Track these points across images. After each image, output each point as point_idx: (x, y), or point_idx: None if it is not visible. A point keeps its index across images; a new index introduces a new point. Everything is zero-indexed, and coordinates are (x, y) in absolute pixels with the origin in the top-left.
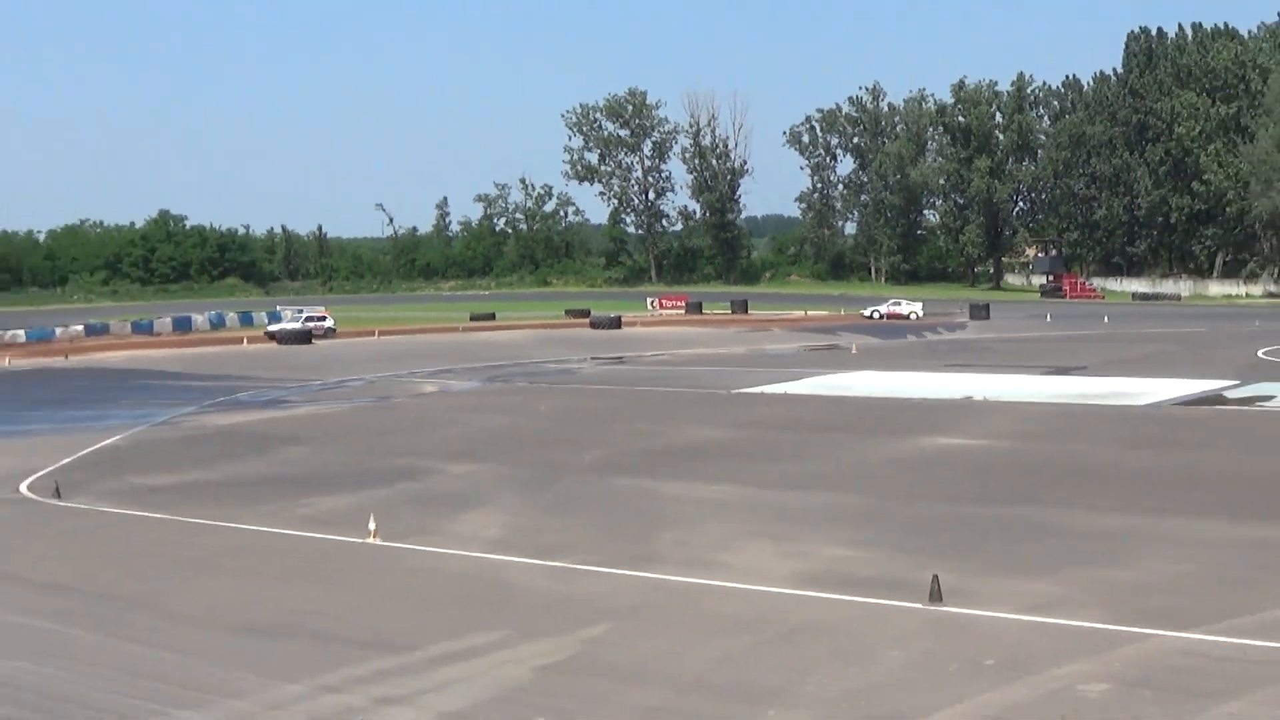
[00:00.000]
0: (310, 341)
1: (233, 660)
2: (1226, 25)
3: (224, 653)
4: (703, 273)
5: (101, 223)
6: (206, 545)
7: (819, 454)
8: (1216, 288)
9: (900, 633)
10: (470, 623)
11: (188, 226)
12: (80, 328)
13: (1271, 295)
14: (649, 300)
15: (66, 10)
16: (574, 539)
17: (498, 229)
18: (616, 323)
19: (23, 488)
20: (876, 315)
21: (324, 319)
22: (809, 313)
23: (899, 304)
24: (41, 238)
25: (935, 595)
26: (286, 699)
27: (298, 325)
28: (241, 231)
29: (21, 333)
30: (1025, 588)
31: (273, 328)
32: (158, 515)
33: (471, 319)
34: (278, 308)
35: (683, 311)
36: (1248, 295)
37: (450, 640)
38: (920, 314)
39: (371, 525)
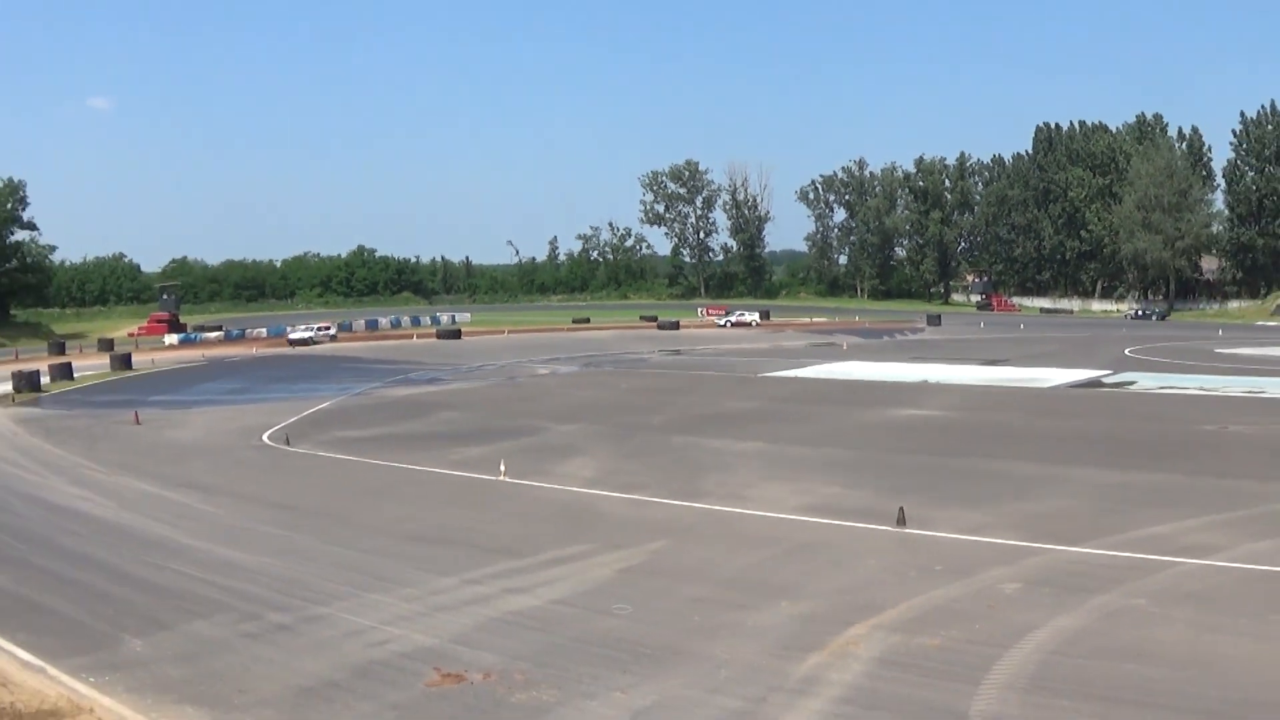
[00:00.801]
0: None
1: (404, 560)
2: (1101, 122)
3: (398, 554)
4: (737, 290)
5: (319, 253)
6: (386, 479)
7: (818, 419)
8: (1097, 305)
9: (875, 547)
10: (570, 537)
11: (376, 256)
12: (724, 312)
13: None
14: (699, 310)
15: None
16: (644, 479)
17: (592, 258)
18: (675, 325)
19: (264, 437)
20: (728, 324)
21: (328, 328)
22: (813, 320)
23: (744, 314)
24: (278, 264)
25: (901, 520)
26: (442, 588)
27: (310, 334)
28: (413, 259)
29: (264, 330)
30: (964, 516)
31: (293, 336)
32: (353, 458)
33: (573, 322)
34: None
35: (725, 318)
36: (1118, 310)
37: (556, 549)
38: (758, 321)
39: (502, 467)
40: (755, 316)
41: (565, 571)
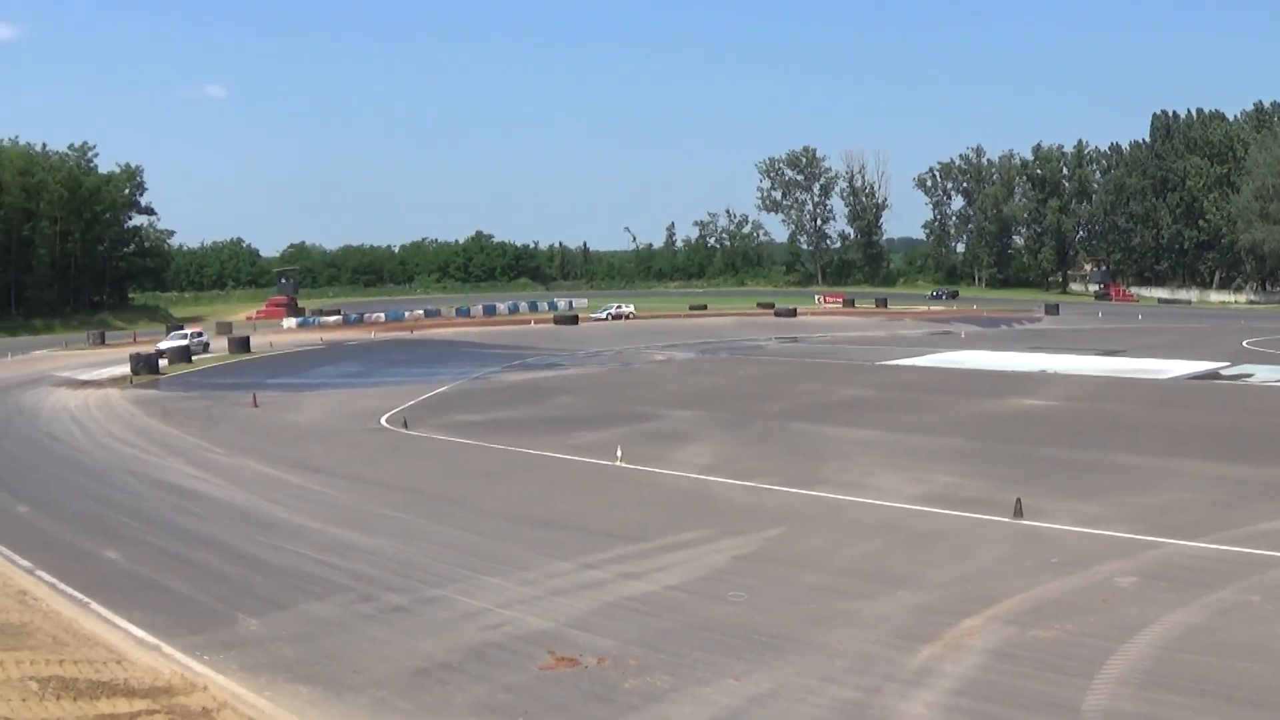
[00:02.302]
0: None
1: (521, 543)
2: (1218, 110)
3: (515, 537)
4: (854, 278)
5: (436, 239)
6: (503, 462)
7: (936, 409)
8: (1215, 296)
9: (992, 538)
10: (686, 523)
11: (494, 241)
12: (421, 312)
13: (1253, 301)
14: (816, 297)
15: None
16: (761, 466)
17: (709, 245)
18: (793, 313)
19: (382, 420)
20: (608, 316)
21: (200, 334)
22: (930, 308)
23: (622, 307)
24: (396, 250)
25: (1018, 511)
26: (559, 572)
27: (183, 343)
28: (531, 245)
29: (382, 315)
30: (1080, 507)
31: (162, 345)
32: (471, 441)
33: (690, 309)
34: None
35: (840, 305)
36: (1236, 301)
37: (672, 534)
38: (634, 312)
39: (618, 452)
40: (631, 308)
41: (681, 557)
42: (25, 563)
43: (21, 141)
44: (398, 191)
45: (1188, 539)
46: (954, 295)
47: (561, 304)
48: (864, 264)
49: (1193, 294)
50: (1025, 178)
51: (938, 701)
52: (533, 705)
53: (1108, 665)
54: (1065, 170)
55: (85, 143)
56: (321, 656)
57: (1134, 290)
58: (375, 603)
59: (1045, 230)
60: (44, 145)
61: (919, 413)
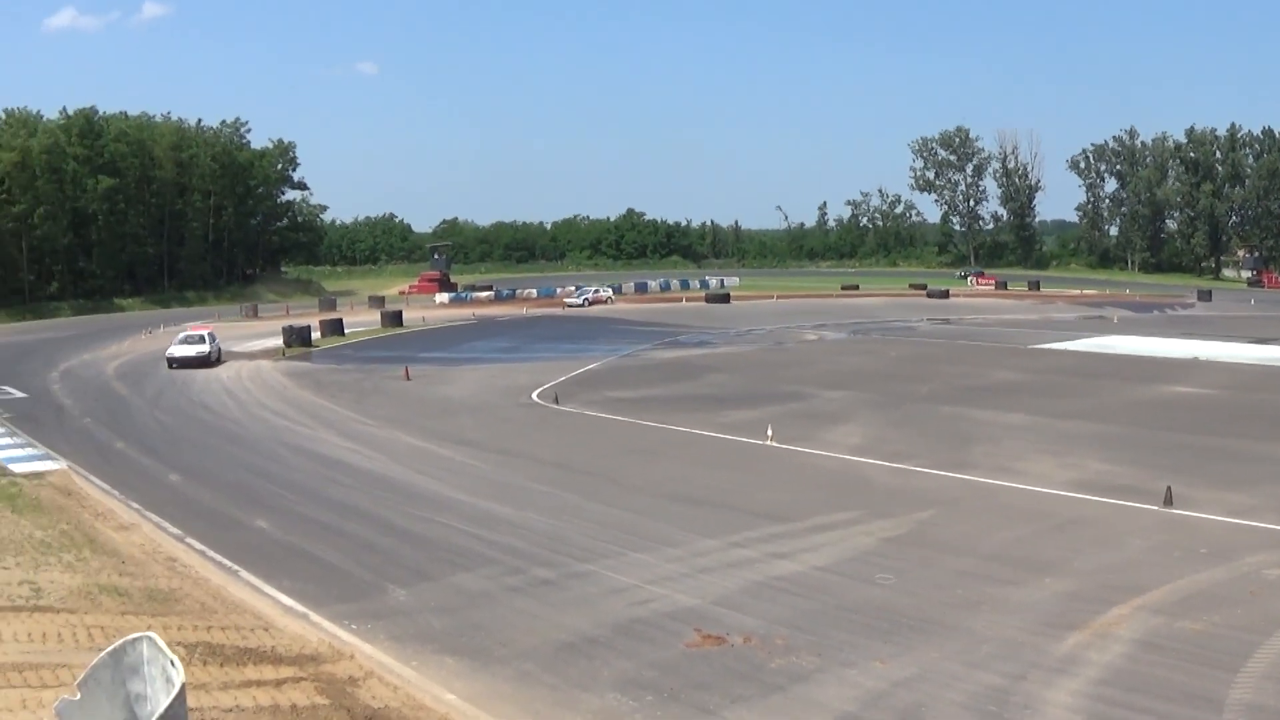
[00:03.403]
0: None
1: (669, 520)
2: None
3: (663, 514)
4: (1007, 260)
5: (588, 216)
6: (653, 439)
7: (1088, 394)
8: None
9: (1141, 527)
10: (835, 504)
11: (646, 219)
12: (573, 288)
13: None
14: (969, 279)
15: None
16: (911, 448)
17: (861, 224)
18: (945, 294)
19: (534, 395)
20: (585, 301)
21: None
22: (1084, 292)
23: (600, 290)
24: (548, 227)
25: (1167, 500)
26: (707, 550)
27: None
28: (682, 223)
29: (534, 291)
30: (1231, 498)
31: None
32: (622, 418)
33: (842, 288)
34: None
35: (992, 287)
36: None
37: (821, 515)
38: (613, 297)
39: (769, 431)
40: (609, 292)
41: (829, 538)
42: (175, 530)
43: (174, 118)
44: (550, 168)
45: None
46: (980, 275)
47: (713, 282)
48: (1016, 246)
49: None
50: (1178, 161)
51: (1083, 690)
52: (678, 682)
53: (1253, 659)
54: (1218, 154)
55: (238, 119)
56: (468, 628)
57: None
58: (523, 576)
59: (1198, 215)
60: (198, 121)
61: (1070, 398)
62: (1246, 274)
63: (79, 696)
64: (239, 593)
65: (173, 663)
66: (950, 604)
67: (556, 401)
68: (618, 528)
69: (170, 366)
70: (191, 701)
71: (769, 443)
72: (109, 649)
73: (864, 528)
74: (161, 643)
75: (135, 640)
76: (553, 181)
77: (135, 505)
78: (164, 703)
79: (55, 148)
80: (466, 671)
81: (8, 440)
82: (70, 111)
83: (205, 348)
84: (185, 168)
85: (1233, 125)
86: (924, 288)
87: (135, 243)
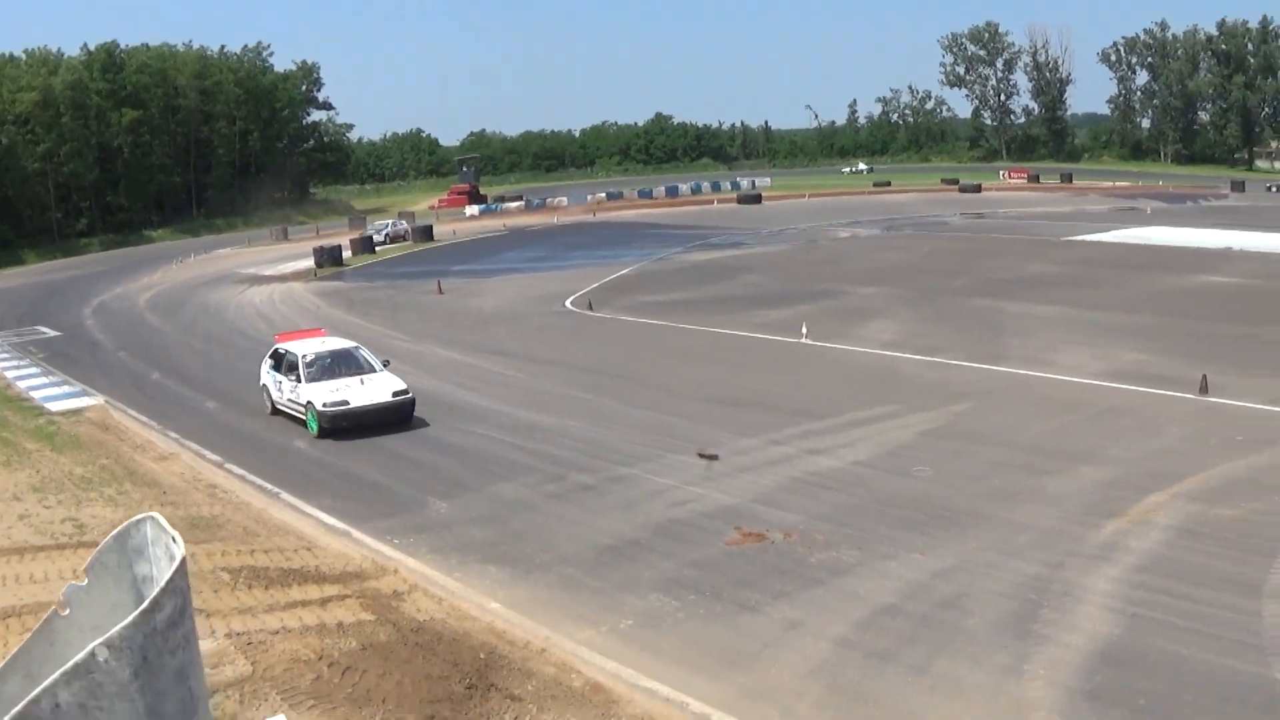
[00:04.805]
0: None
1: (708, 421)
2: None
3: (702, 416)
4: (1039, 153)
5: (616, 122)
6: (689, 342)
7: (1121, 285)
8: None
9: (1177, 415)
10: (872, 399)
11: (675, 123)
12: (604, 195)
13: None
14: (1000, 173)
15: None
16: (945, 341)
17: (892, 121)
18: (977, 189)
19: (567, 303)
20: (387, 237)
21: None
22: (1116, 184)
23: (397, 224)
24: (577, 134)
25: (1203, 389)
26: (747, 448)
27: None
28: (712, 125)
29: (565, 199)
30: (1268, 386)
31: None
32: (656, 321)
33: (874, 185)
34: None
35: (1025, 181)
36: None
37: (858, 411)
38: (408, 230)
39: (804, 329)
40: (405, 226)
41: (866, 433)
42: (214, 456)
43: (196, 46)
44: (577, 76)
45: None
46: (870, 170)
47: (744, 183)
48: (1048, 139)
49: None
50: (1210, 53)
51: (1121, 577)
52: (720, 580)
53: None
54: (1250, 46)
55: (260, 42)
56: (510, 537)
57: None
58: (563, 483)
59: (1230, 106)
60: (221, 48)
61: (1104, 289)
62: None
63: (86, 582)
64: (281, 515)
65: (175, 539)
66: (987, 495)
67: (590, 308)
68: (656, 430)
69: None
70: (238, 626)
71: (804, 341)
72: (114, 532)
73: (900, 421)
74: (164, 522)
75: (139, 522)
76: (580, 89)
77: (174, 435)
78: (167, 575)
79: (78, 84)
80: (509, 580)
81: (44, 379)
82: (92, 47)
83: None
84: (209, 95)
85: (1264, 17)
86: (956, 183)
87: (162, 173)
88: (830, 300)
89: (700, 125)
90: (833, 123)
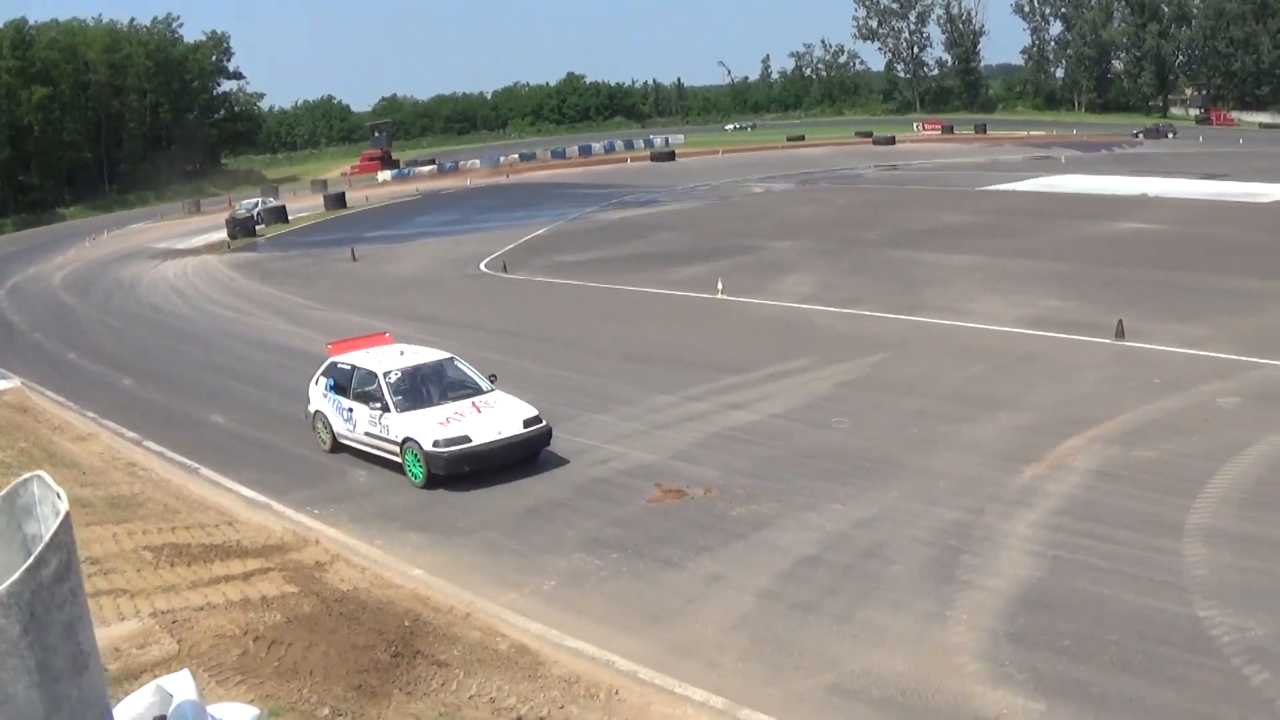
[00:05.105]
0: None
1: (625, 379)
2: None
3: (618, 374)
4: (953, 105)
5: (528, 83)
6: (605, 301)
7: (1036, 233)
8: None
9: (1094, 360)
10: (789, 353)
11: (587, 82)
12: (516, 156)
13: None
14: (915, 124)
15: None
16: (861, 293)
17: (806, 76)
18: (891, 141)
19: (481, 266)
20: (257, 214)
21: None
22: (1030, 134)
23: (262, 202)
24: (489, 96)
25: (1120, 333)
26: (662, 405)
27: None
28: (624, 84)
29: (477, 161)
30: (1183, 330)
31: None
32: (572, 281)
33: (787, 139)
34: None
35: (939, 132)
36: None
37: (775, 365)
38: (270, 202)
39: (719, 285)
40: (272, 201)
41: (783, 386)
42: (132, 434)
43: (105, 20)
44: (487, 37)
45: None
46: (753, 128)
47: (658, 141)
48: (962, 91)
49: None
50: (1123, 2)
51: (1041, 521)
52: (641, 538)
53: (1210, 485)
54: None
55: (170, 14)
56: (432, 502)
57: (1235, 115)
58: None
59: (1144, 55)
60: (131, 20)
61: (1019, 237)
62: (1194, 112)
63: None
64: (201, 491)
65: (59, 495)
66: (906, 444)
67: (505, 270)
68: (573, 390)
69: None
70: (162, 604)
71: (720, 296)
72: (2, 493)
73: (817, 374)
74: (50, 480)
75: (26, 481)
76: (491, 50)
77: (91, 415)
78: (51, 530)
79: None
80: (431, 546)
81: None
82: (0, 25)
83: None
84: (119, 69)
85: None
86: (870, 135)
87: (73, 150)
88: (746, 255)
89: (613, 84)
90: (746, 79)
